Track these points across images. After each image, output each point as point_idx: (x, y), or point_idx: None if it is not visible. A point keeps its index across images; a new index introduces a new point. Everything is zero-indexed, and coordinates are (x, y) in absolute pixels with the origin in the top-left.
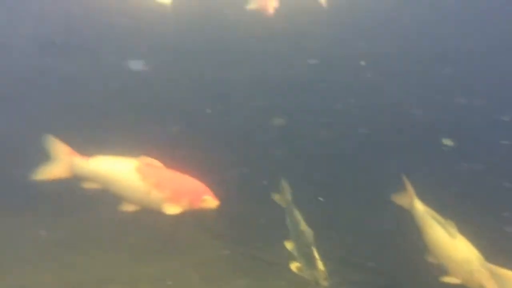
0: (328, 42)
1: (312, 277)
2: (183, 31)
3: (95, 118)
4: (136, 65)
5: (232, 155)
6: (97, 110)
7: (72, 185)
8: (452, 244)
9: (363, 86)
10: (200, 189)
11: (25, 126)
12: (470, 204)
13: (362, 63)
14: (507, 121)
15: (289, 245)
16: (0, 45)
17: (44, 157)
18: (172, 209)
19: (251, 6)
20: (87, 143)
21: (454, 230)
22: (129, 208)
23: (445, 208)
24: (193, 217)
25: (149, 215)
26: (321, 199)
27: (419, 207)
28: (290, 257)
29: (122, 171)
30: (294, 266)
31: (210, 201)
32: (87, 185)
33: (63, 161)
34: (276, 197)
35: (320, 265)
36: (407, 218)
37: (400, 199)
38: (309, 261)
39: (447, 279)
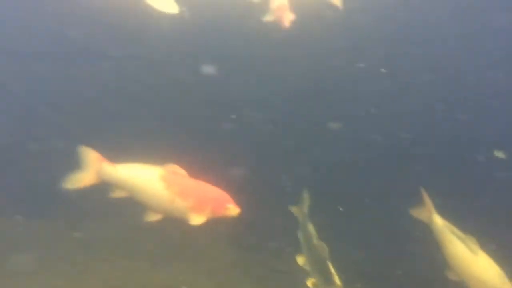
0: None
1: None
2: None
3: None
4: (208, 69)
5: (251, 161)
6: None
7: (93, 190)
8: (473, 261)
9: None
10: (223, 197)
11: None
12: (493, 218)
13: (382, 70)
14: None
15: (300, 260)
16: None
17: (75, 161)
18: (196, 218)
19: (268, 18)
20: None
21: (475, 246)
22: (153, 217)
23: (467, 222)
24: (208, 224)
25: (164, 222)
26: (340, 208)
27: (439, 221)
28: (304, 271)
29: (147, 179)
30: (310, 282)
31: (233, 210)
32: (114, 193)
33: (92, 167)
34: (294, 208)
35: (337, 279)
36: (426, 232)
37: (419, 213)
38: (325, 276)
39: None
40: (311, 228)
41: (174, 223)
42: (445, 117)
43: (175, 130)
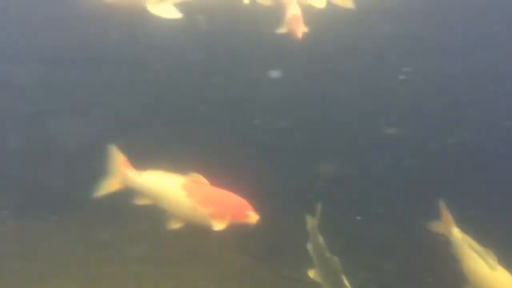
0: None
1: None
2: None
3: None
4: (274, 74)
5: (265, 168)
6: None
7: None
8: (493, 277)
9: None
10: (243, 205)
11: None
12: None
13: (401, 77)
14: None
15: (312, 274)
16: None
17: (103, 166)
18: (216, 225)
19: (282, 30)
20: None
21: (493, 261)
22: (175, 224)
23: (488, 235)
24: (218, 231)
25: (177, 228)
26: (358, 218)
27: (457, 234)
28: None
29: (169, 187)
30: None
31: (253, 217)
32: (138, 200)
33: (118, 173)
34: (308, 219)
35: None
36: (443, 245)
37: (437, 226)
38: None
39: None
40: (321, 240)
41: (182, 230)
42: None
43: (196, 137)
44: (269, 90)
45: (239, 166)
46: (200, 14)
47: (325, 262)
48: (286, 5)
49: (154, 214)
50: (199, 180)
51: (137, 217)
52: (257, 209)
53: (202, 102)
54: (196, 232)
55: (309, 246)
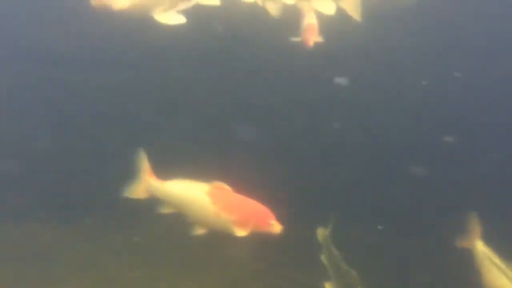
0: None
1: None
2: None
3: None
4: (341, 80)
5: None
6: None
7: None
8: None
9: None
10: (266, 214)
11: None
12: None
13: (424, 82)
14: None
15: (329, 286)
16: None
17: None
18: (239, 233)
19: (295, 38)
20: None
21: None
22: (199, 231)
23: None
24: (233, 236)
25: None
26: (379, 227)
27: (480, 248)
28: None
29: (193, 195)
30: None
31: (276, 226)
32: (162, 209)
33: (143, 182)
34: (319, 230)
35: None
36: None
37: (463, 240)
38: None
39: None
40: (335, 252)
41: (202, 235)
42: None
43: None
44: (291, 97)
45: (261, 173)
46: (216, 20)
47: (342, 275)
48: (302, 13)
49: (172, 220)
50: (223, 187)
51: (155, 223)
52: (277, 215)
53: (225, 109)
54: (212, 237)
55: (323, 258)
